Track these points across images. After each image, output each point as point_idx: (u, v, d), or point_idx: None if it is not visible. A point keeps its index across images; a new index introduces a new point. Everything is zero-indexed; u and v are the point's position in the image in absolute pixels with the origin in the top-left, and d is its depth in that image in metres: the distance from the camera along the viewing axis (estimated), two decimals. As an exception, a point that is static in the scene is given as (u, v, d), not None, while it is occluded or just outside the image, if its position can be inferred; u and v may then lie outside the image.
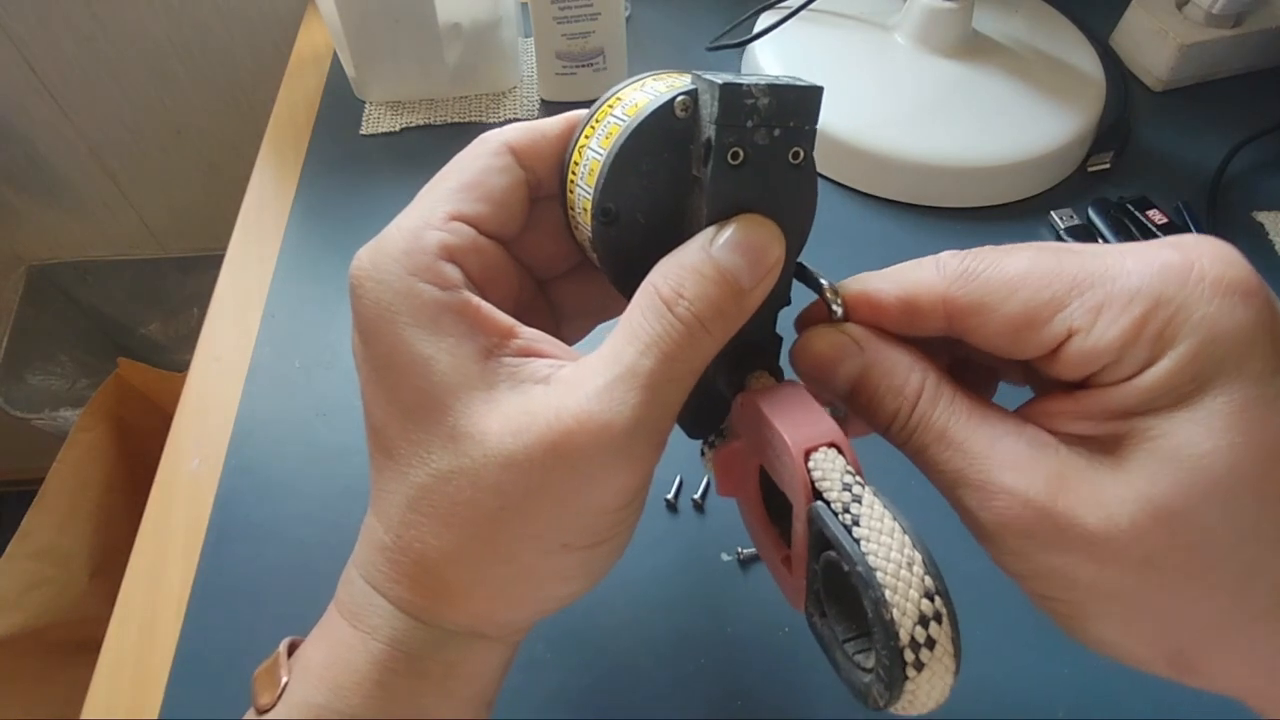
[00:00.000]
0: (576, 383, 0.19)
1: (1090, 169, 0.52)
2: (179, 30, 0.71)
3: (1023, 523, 0.17)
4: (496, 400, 0.19)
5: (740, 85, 0.19)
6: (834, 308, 0.21)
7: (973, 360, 0.23)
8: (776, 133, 0.20)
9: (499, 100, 0.56)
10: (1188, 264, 0.17)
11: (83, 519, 0.82)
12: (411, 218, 0.21)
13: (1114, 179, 0.52)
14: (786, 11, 0.53)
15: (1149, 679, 0.33)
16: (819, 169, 0.51)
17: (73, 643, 0.80)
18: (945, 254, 0.20)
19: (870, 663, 0.18)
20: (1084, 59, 0.54)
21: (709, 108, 0.20)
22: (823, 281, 0.21)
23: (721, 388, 0.22)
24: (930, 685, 0.17)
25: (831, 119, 0.49)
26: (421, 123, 0.55)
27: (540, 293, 0.26)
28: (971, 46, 0.53)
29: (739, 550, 0.35)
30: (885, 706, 0.17)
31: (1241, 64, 0.58)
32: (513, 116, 0.55)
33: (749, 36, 0.55)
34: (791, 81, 0.20)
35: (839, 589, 0.19)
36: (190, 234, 0.92)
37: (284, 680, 0.21)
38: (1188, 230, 0.48)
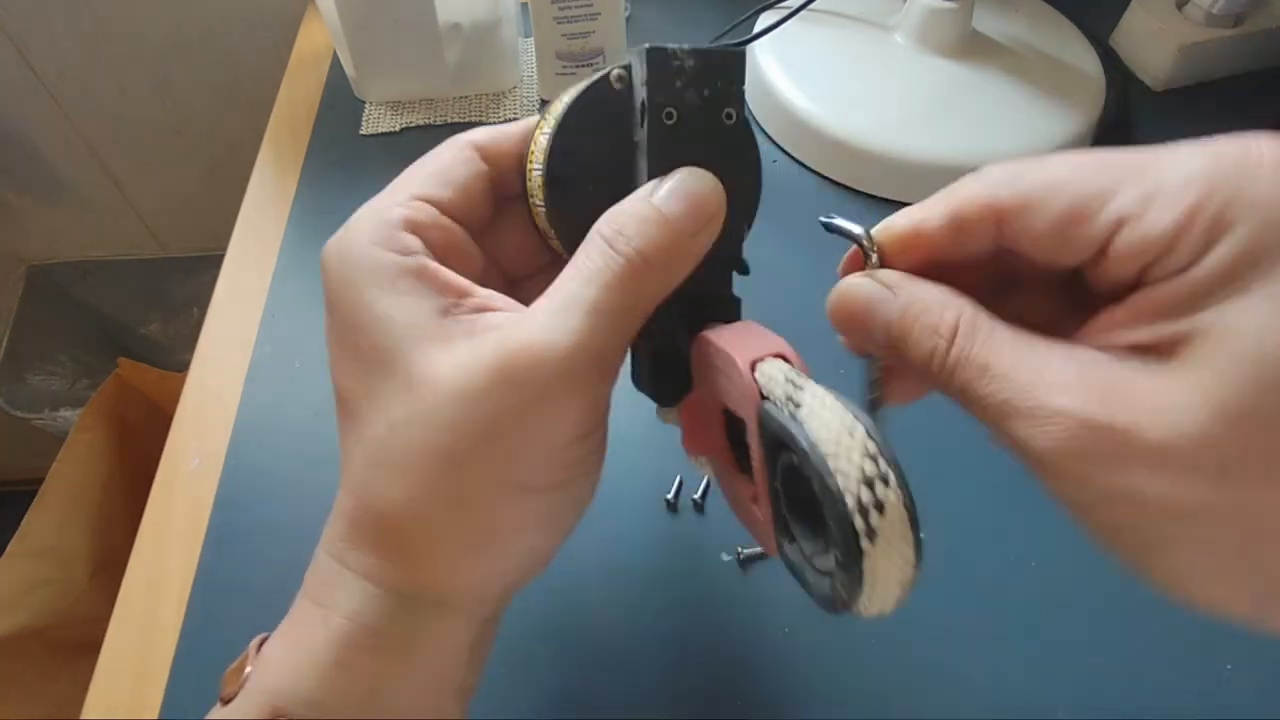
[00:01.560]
0: (523, 318, 0.20)
1: (1090, 169, 0.52)
2: (179, 30, 0.71)
3: (1080, 444, 0.16)
4: (451, 349, 0.20)
5: (666, 48, 0.21)
6: (870, 253, 0.21)
7: (1026, 317, 0.22)
8: (706, 92, 0.21)
9: (499, 100, 0.56)
10: (1244, 148, 0.16)
11: (83, 519, 0.83)
12: (376, 201, 0.23)
13: (1114, 179, 0.52)
14: (786, 11, 0.53)
15: (1149, 679, 0.33)
16: (820, 169, 0.51)
17: (73, 643, 0.80)
18: (988, 165, 0.20)
19: (831, 561, 0.17)
20: (1084, 59, 0.54)
21: (639, 71, 0.21)
22: (856, 230, 0.21)
23: (683, 351, 0.23)
24: (888, 559, 0.16)
25: (832, 119, 0.49)
26: (421, 123, 0.55)
27: (514, 292, 0.26)
28: (971, 46, 0.53)
29: (739, 550, 0.35)
30: (851, 600, 0.17)
31: (1241, 64, 0.58)
32: (512, 116, 0.55)
33: (749, 36, 0.55)
34: (713, 46, 0.21)
35: (800, 501, 0.19)
36: (190, 234, 0.92)
37: (247, 671, 0.21)
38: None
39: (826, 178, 0.51)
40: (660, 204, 0.20)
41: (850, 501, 0.16)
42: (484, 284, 0.23)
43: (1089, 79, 0.52)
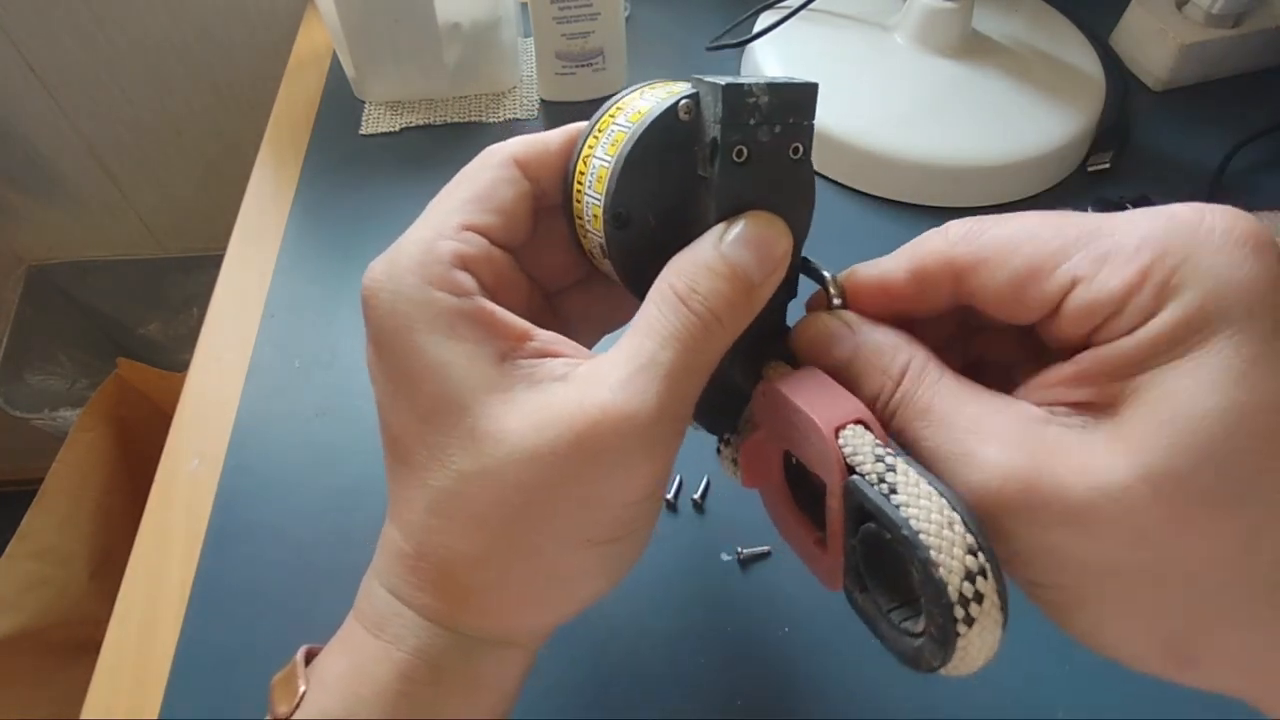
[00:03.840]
0: (597, 377, 0.19)
1: (1090, 169, 0.52)
2: (179, 30, 0.71)
3: (1005, 497, 0.17)
4: (515, 400, 0.19)
5: (742, 85, 0.20)
6: (832, 296, 0.22)
7: (988, 359, 0.23)
8: (777, 129, 0.21)
9: (499, 100, 0.56)
10: (1198, 217, 0.16)
11: (83, 519, 0.82)
12: (424, 229, 0.22)
13: (1114, 179, 0.52)
14: (786, 11, 0.53)
15: (1148, 679, 0.33)
16: (819, 169, 0.51)
17: (73, 643, 0.80)
18: (951, 222, 0.20)
19: (919, 627, 0.18)
20: (1084, 59, 0.54)
21: (712, 109, 0.20)
22: (825, 274, 0.22)
23: (738, 380, 0.23)
24: (981, 640, 0.17)
25: (831, 119, 0.49)
26: (421, 123, 0.55)
27: (548, 305, 0.26)
28: (971, 46, 0.53)
29: (739, 550, 0.35)
30: (939, 667, 0.17)
31: (1241, 64, 0.58)
32: (512, 116, 0.55)
33: (749, 36, 0.55)
34: (788, 80, 0.21)
35: (879, 560, 0.19)
36: (190, 234, 0.92)
37: (302, 689, 0.21)
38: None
39: (826, 177, 0.51)
40: (730, 253, 0.20)
41: (954, 595, 0.16)
42: (529, 305, 0.23)
43: (1089, 79, 0.52)
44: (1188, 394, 0.15)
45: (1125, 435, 0.16)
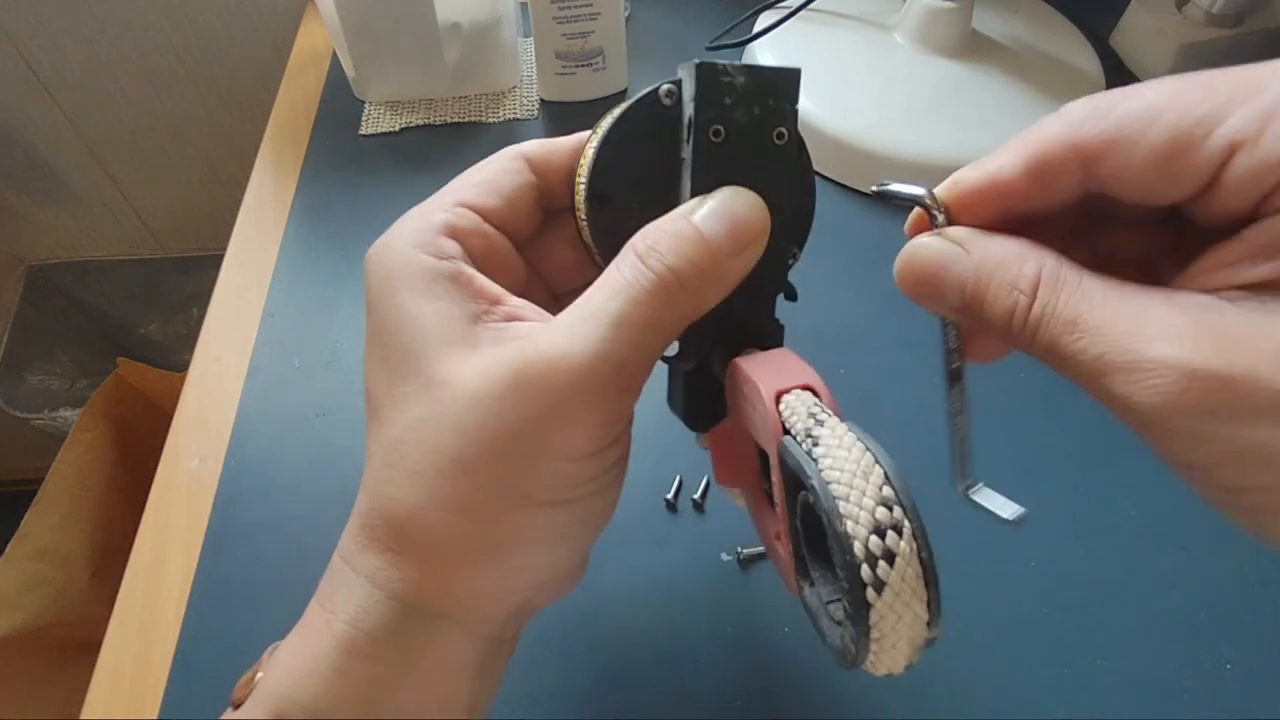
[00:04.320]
0: (545, 326, 0.20)
1: (1090, 169, 0.52)
2: (179, 30, 0.71)
3: (1193, 397, 0.14)
4: (476, 354, 0.20)
5: (716, 64, 0.20)
6: (936, 215, 0.19)
7: (1118, 255, 0.20)
8: (756, 111, 0.20)
9: (498, 100, 0.56)
10: None
11: (83, 519, 0.83)
12: (422, 206, 0.23)
13: (1114, 179, 0.52)
14: (786, 11, 0.53)
15: (1149, 679, 0.33)
16: (819, 169, 0.51)
17: (73, 643, 0.80)
18: (1069, 104, 0.18)
19: (841, 612, 0.16)
20: (1084, 59, 0.54)
21: (688, 87, 0.21)
22: (918, 191, 0.20)
23: (719, 375, 0.22)
24: (897, 613, 0.15)
25: (831, 119, 0.49)
26: (421, 122, 0.55)
27: (557, 306, 0.26)
28: (971, 46, 0.52)
29: (739, 550, 0.35)
30: (858, 654, 0.16)
31: (1241, 64, 0.57)
32: (512, 116, 0.55)
33: (748, 36, 0.55)
34: (771, 65, 0.21)
35: (819, 542, 0.18)
36: (190, 234, 0.92)
37: (258, 677, 0.21)
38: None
39: (826, 177, 0.51)
40: (699, 222, 0.20)
41: (859, 549, 0.15)
42: (526, 296, 0.22)
43: (1089, 79, 0.52)
44: None
45: None
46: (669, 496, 0.37)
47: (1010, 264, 0.17)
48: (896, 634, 0.15)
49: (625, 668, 0.33)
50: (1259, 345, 0.14)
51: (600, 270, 0.25)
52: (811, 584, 0.19)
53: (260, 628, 0.34)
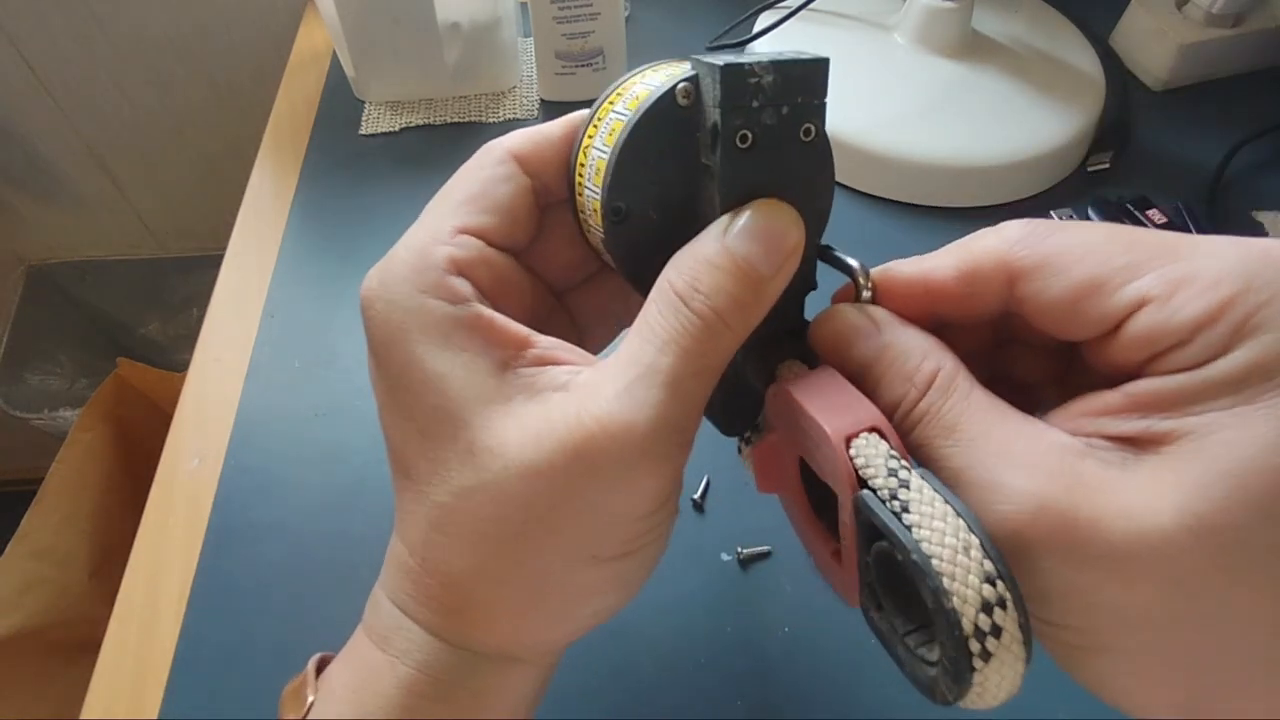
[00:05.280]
0: (595, 386, 0.19)
1: (1090, 169, 0.52)
2: (179, 30, 0.71)
3: (1036, 530, 0.15)
4: (514, 412, 0.19)
5: (742, 65, 0.18)
6: (862, 290, 0.20)
7: (1014, 376, 0.21)
8: (785, 110, 0.19)
9: (498, 100, 0.56)
10: None
11: (82, 519, 0.82)
12: (418, 235, 0.21)
13: (1113, 179, 0.52)
14: (786, 11, 0.53)
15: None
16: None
17: (73, 643, 0.80)
18: (1007, 222, 0.18)
19: (934, 655, 0.17)
20: (1084, 59, 0.54)
21: (711, 92, 0.19)
22: (852, 263, 0.20)
23: (752, 379, 0.22)
24: (999, 675, 0.16)
25: (831, 119, 0.49)
26: (421, 122, 0.55)
27: (559, 304, 0.25)
28: (971, 46, 0.53)
29: (739, 550, 0.35)
30: (955, 701, 0.16)
31: (1241, 64, 0.58)
32: (512, 116, 0.55)
33: (748, 36, 0.55)
34: (795, 56, 0.19)
35: (894, 579, 0.18)
36: (190, 234, 0.92)
37: (310, 699, 0.21)
38: (1187, 230, 0.48)
39: (826, 178, 0.51)
40: (735, 246, 0.19)
41: (968, 627, 0.15)
42: (533, 306, 0.22)
43: (1089, 79, 0.52)
44: (1248, 442, 0.14)
45: (1173, 479, 0.15)
46: (669, 496, 0.37)
47: (913, 356, 0.18)
48: (998, 688, 0.16)
49: (625, 667, 0.33)
50: (1107, 497, 0.15)
51: (601, 263, 0.24)
52: (880, 609, 0.18)
53: (260, 628, 0.34)
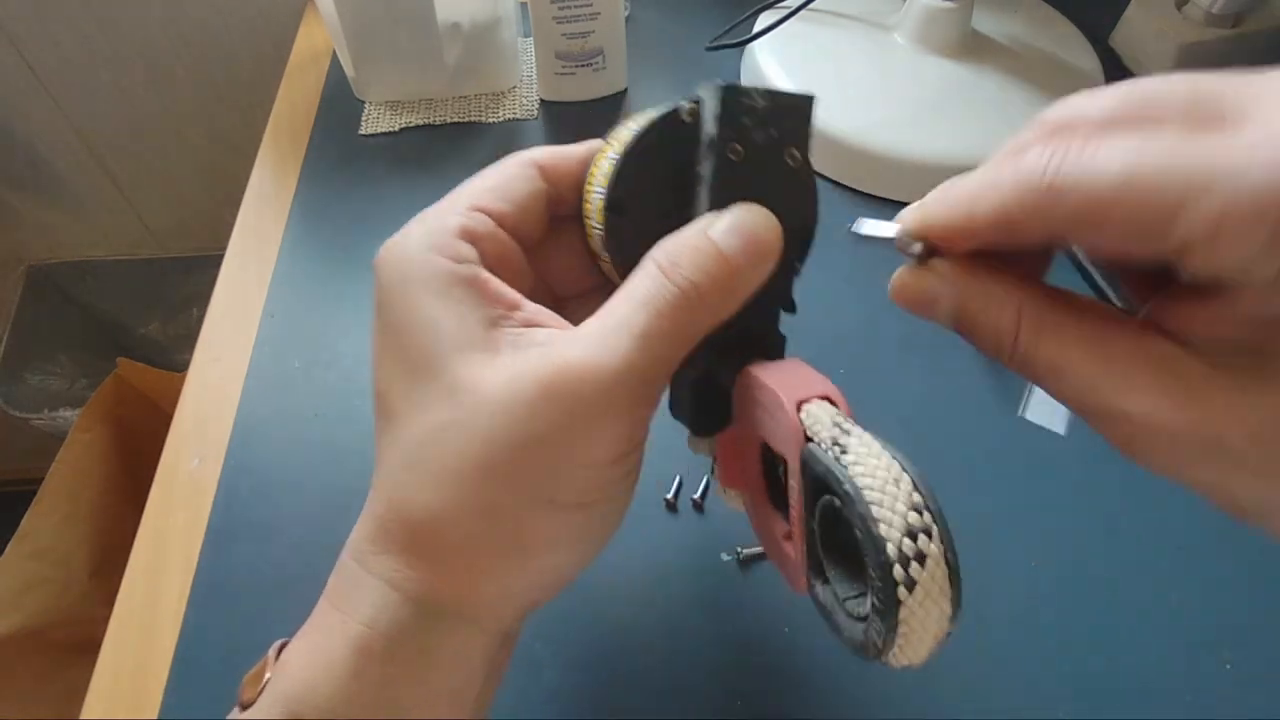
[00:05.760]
0: (571, 336, 0.20)
1: (1090, 169, 0.52)
2: (179, 30, 0.71)
3: (1158, 446, 0.16)
4: (496, 359, 0.20)
5: (740, 87, 0.21)
6: (911, 254, 0.20)
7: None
8: (773, 132, 0.22)
9: (498, 100, 0.56)
10: None
11: (82, 519, 0.83)
12: (434, 209, 0.23)
13: (1114, 179, 0.52)
14: (786, 11, 0.53)
15: (1149, 679, 0.33)
16: (820, 169, 0.51)
17: (72, 643, 0.80)
18: (1030, 150, 0.17)
19: (867, 609, 0.17)
20: (1083, 59, 0.54)
21: (712, 109, 0.21)
22: (890, 234, 0.20)
23: (725, 383, 0.23)
24: (925, 611, 0.16)
25: (831, 119, 0.49)
26: (421, 122, 0.55)
27: (558, 311, 0.26)
28: (971, 46, 0.52)
29: (739, 550, 0.35)
30: (884, 648, 0.17)
31: (1241, 64, 0.57)
32: (512, 116, 0.55)
33: (748, 36, 0.55)
34: (788, 90, 0.22)
35: (838, 543, 0.19)
36: (190, 234, 0.92)
37: (267, 678, 0.21)
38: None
39: (826, 177, 0.51)
40: (717, 237, 0.21)
41: (892, 551, 0.16)
42: (534, 298, 0.23)
43: (1088, 79, 0.52)
44: None
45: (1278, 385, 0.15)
46: (669, 497, 0.37)
47: (990, 308, 0.18)
48: (924, 629, 0.17)
49: (625, 668, 0.33)
50: (1222, 408, 0.15)
51: (603, 278, 0.26)
52: (825, 582, 0.20)
53: (260, 628, 0.34)
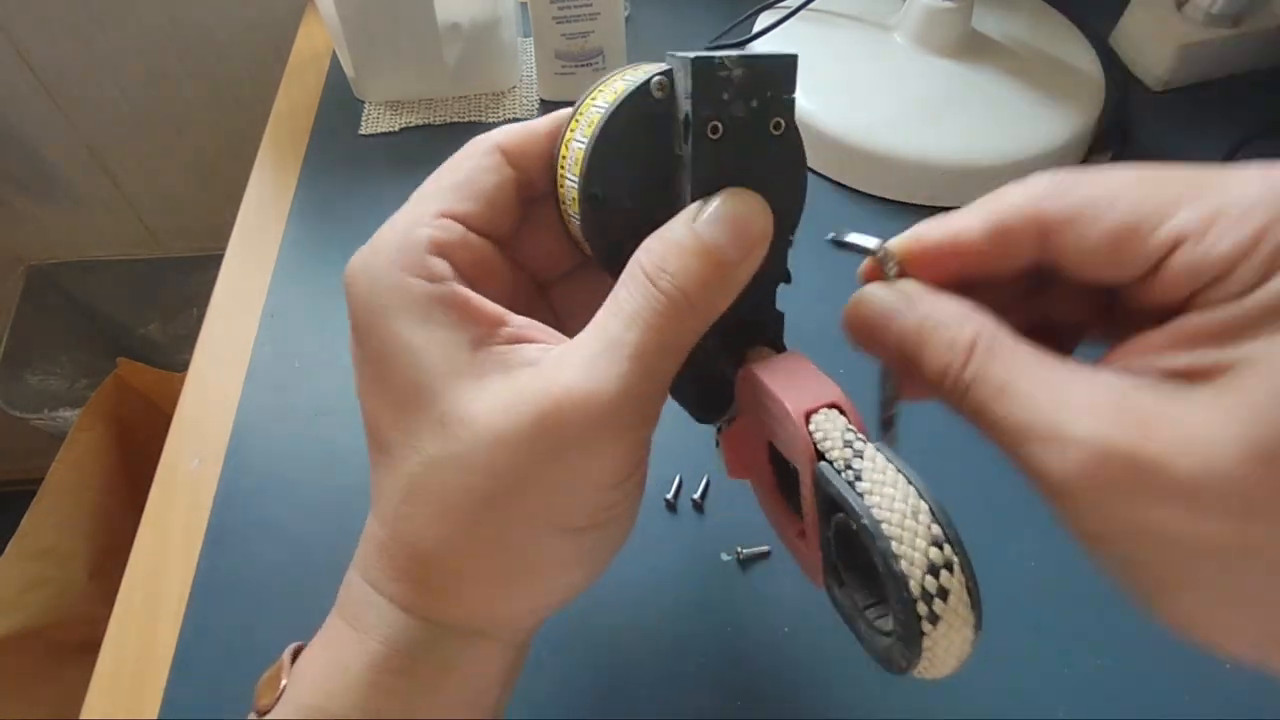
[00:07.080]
0: (563, 359, 0.19)
1: (1090, 169, 0.52)
2: (178, 30, 0.71)
3: (1103, 474, 0.15)
4: (486, 386, 0.19)
5: (713, 59, 0.19)
6: (888, 268, 0.20)
7: (1053, 319, 0.21)
8: (754, 104, 0.20)
9: (498, 100, 0.56)
10: None
11: (82, 519, 0.83)
12: (402, 218, 0.22)
13: (1114, 179, 0.52)
14: (786, 11, 0.53)
15: (1149, 679, 0.33)
16: (819, 169, 0.51)
17: (72, 643, 0.80)
18: (1033, 175, 0.18)
19: (890, 626, 0.17)
20: (1083, 59, 0.54)
21: (683, 84, 0.20)
22: (871, 245, 0.20)
23: (724, 368, 0.22)
24: (948, 639, 0.16)
25: (831, 119, 0.49)
26: (420, 122, 0.55)
27: (542, 296, 0.26)
28: (971, 46, 0.52)
29: (739, 550, 0.35)
30: (908, 668, 0.17)
31: (1241, 64, 0.58)
32: (512, 116, 0.55)
33: (748, 36, 0.55)
34: (765, 53, 0.20)
35: (854, 553, 0.18)
36: (190, 234, 0.92)
37: (283, 684, 0.21)
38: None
39: (825, 177, 0.51)
40: (703, 231, 0.19)
41: (915, 589, 0.16)
42: (515, 294, 0.22)
43: (1088, 79, 0.52)
44: None
45: (1231, 407, 0.15)
46: (669, 496, 0.37)
47: (951, 324, 0.18)
48: (947, 653, 0.16)
49: (625, 668, 0.33)
50: (1168, 431, 0.15)
51: (586, 257, 0.25)
52: (841, 584, 0.19)
53: (260, 628, 0.34)
